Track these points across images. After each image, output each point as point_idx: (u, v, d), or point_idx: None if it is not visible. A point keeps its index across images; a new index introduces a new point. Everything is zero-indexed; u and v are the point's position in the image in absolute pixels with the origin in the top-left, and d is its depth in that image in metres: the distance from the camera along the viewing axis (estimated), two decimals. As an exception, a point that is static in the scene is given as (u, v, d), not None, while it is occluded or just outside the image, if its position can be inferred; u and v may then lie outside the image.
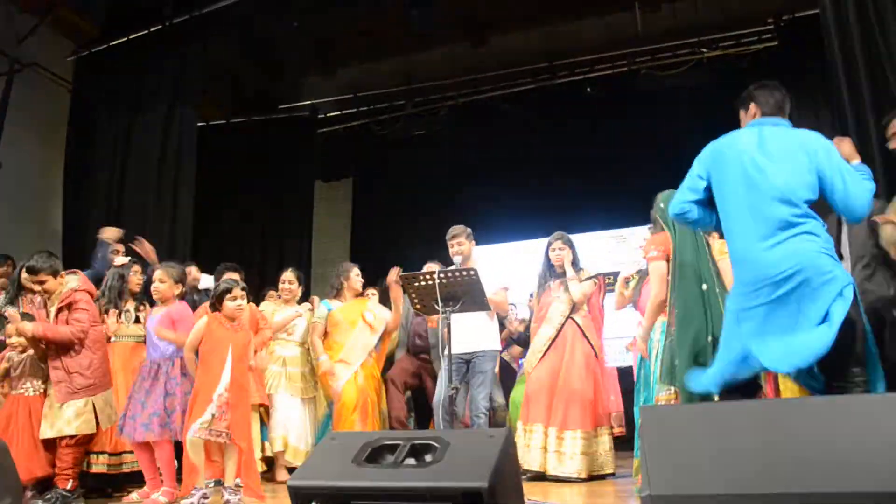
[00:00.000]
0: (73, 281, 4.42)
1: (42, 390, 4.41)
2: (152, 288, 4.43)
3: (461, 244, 4.91)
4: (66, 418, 4.18)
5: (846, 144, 3.09)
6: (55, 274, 4.32)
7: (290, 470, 5.18)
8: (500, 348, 5.04)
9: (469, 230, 5.00)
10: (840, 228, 3.87)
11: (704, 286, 3.43)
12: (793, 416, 1.87)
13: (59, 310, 4.29)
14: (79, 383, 4.23)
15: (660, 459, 1.85)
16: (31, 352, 4.44)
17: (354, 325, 5.27)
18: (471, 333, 4.74)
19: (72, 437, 4.18)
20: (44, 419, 4.22)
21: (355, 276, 5.51)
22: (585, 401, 4.79)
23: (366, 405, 5.08)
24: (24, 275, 4.72)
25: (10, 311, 4.45)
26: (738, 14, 8.02)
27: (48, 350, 4.30)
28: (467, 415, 4.88)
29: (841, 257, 3.73)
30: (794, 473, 1.72)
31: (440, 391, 4.57)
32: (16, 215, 7.29)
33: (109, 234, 5.44)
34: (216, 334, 4.15)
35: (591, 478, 4.74)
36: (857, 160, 3.05)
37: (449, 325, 4.00)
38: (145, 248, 5.49)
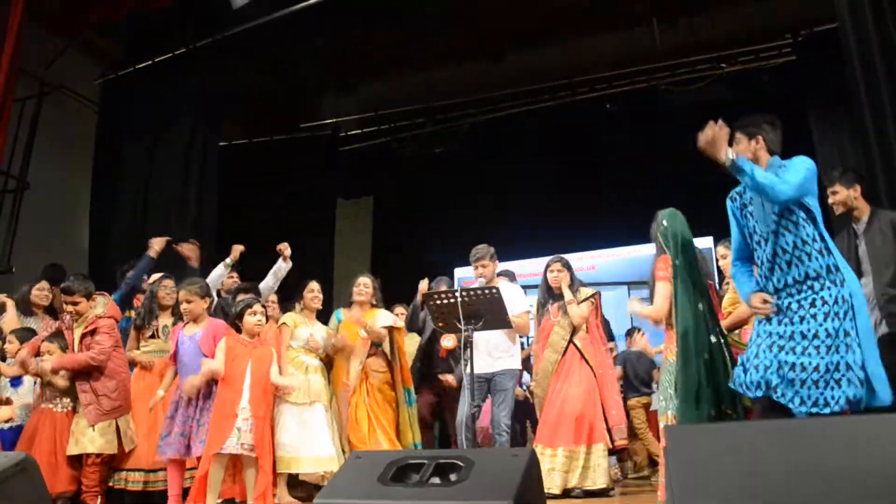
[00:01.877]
0: (100, 306, 4.59)
1: (70, 408, 4.51)
2: (182, 309, 4.50)
3: (485, 266, 4.91)
4: (89, 436, 4.32)
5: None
6: (88, 296, 4.52)
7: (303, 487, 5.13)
8: (520, 367, 5.03)
9: (492, 250, 5.00)
10: (855, 245, 3.89)
11: (700, 306, 3.54)
12: (818, 434, 1.87)
13: (84, 335, 4.47)
14: (106, 405, 4.40)
15: (685, 478, 1.86)
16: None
17: (354, 343, 5.06)
18: (491, 352, 4.75)
19: (97, 455, 4.31)
20: (70, 436, 4.37)
21: (355, 285, 5.22)
22: (580, 419, 4.78)
23: (362, 425, 4.89)
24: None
25: (47, 345, 4.61)
26: (756, 28, 8.00)
27: (75, 375, 4.44)
28: (489, 433, 4.87)
29: (860, 274, 3.77)
30: (819, 492, 1.71)
31: (463, 410, 4.58)
32: (43, 234, 7.43)
33: (158, 246, 5.54)
34: (235, 352, 4.23)
35: (587, 493, 4.70)
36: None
37: (471, 344, 4.02)
38: (184, 250, 5.70)
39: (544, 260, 5.28)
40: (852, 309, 2.87)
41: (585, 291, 5.09)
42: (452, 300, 4.03)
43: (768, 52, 8.03)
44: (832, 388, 2.82)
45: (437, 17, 7.99)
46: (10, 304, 5.19)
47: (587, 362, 4.94)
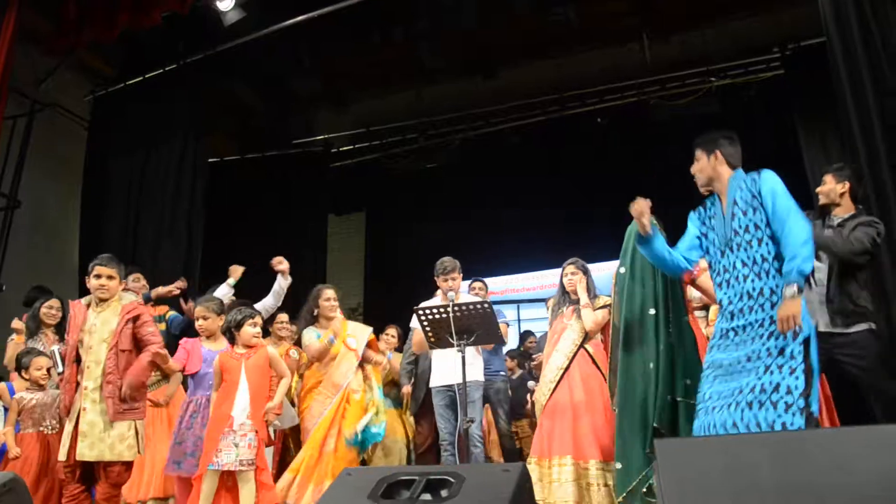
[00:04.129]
0: (127, 299, 4.20)
1: (58, 429, 4.43)
2: (197, 325, 4.49)
3: (454, 279, 4.87)
4: (108, 442, 3.85)
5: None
6: (120, 277, 4.12)
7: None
8: (483, 379, 4.95)
9: (458, 264, 4.98)
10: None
11: (652, 311, 3.51)
12: (810, 447, 1.86)
13: (127, 320, 3.99)
14: (127, 403, 3.92)
15: (675, 493, 1.85)
16: (42, 394, 4.50)
17: (337, 354, 4.90)
18: (455, 366, 4.68)
19: (124, 463, 3.91)
20: (82, 439, 3.80)
21: (325, 300, 5.07)
22: (602, 431, 4.67)
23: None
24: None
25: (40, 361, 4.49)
26: (745, 43, 8.09)
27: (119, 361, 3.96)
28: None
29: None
30: (811, 505, 1.71)
31: (444, 425, 4.57)
32: (34, 252, 7.41)
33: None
34: (227, 366, 4.18)
35: None
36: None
37: (463, 359, 4.00)
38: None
39: (536, 274, 5.25)
40: (803, 336, 2.81)
41: (604, 299, 4.86)
42: (444, 315, 4.02)
43: (757, 65, 8.10)
44: (766, 410, 2.73)
45: (428, 33, 8.05)
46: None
47: (599, 369, 4.81)
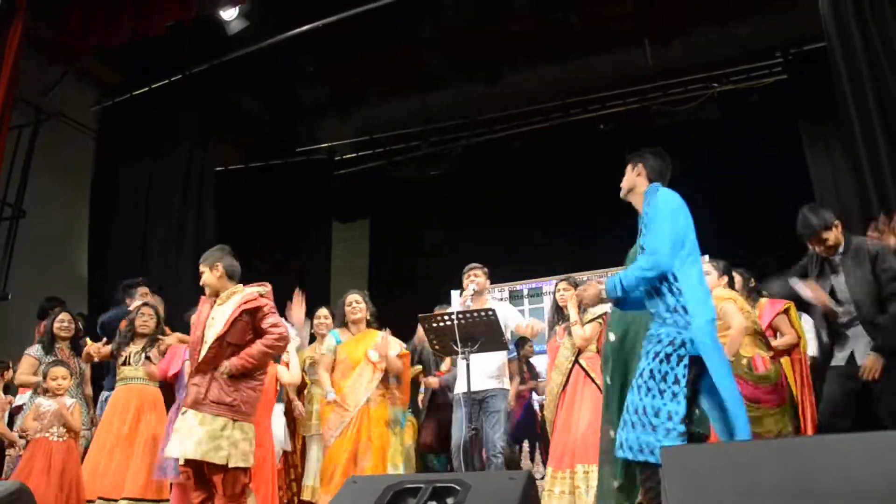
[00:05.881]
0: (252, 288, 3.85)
1: (66, 437, 4.46)
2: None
3: (477, 276, 4.92)
4: (214, 444, 3.47)
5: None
6: (210, 268, 3.76)
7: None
8: (509, 387, 4.99)
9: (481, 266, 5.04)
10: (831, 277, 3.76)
11: (612, 336, 3.54)
12: (814, 453, 1.87)
13: (242, 312, 3.58)
14: (245, 407, 3.58)
15: (682, 498, 1.86)
16: (56, 402, 4.51)
17: (357, 365, 4.78)
18: (482, 371, 4.69)
19: (239, 471, 3.53)
20: (220, 439, 3.46)
21: (347, 305, 4.96)
22: (586, 437, 4.71)
23: (354, 460, 4.55)
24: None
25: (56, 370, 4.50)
26: (747, 48, 8.08)
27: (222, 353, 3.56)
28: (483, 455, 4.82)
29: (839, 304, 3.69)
30: (815, 511, 1.72)
31: (458, 434, 4.55)
32: (42, 262, 7.41)
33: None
34: None
35: None
36: None
37: (468, 366, 4.01)
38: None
39: (539, 281, 5.25)
40: (689, 356, 2.75)
41: (593, 311, 4.89)
42: (449, 322, 4.03)
43: (759, 71, 8.11)
44: (647, 433, 2.71)
45: (431, 40, 8.07)
46: None
47: (593, 381, 4.87)
